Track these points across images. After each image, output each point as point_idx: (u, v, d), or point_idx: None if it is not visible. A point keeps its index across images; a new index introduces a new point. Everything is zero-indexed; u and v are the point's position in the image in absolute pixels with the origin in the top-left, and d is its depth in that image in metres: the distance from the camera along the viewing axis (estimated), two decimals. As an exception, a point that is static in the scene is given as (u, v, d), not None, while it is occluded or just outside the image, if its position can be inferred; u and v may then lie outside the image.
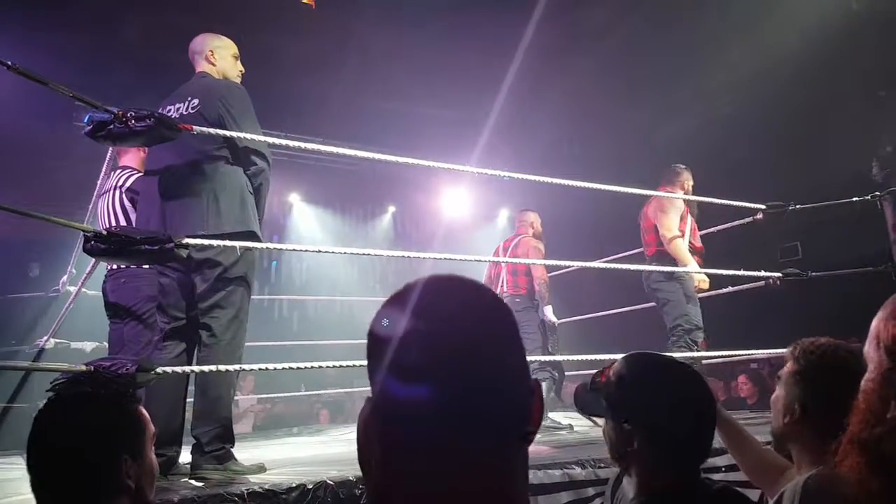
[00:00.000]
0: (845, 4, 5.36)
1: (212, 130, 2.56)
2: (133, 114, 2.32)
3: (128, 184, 3.40)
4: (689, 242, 4.43)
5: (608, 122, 7.30)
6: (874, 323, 0.90)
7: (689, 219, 4.49)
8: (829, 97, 5.88)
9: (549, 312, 4.93)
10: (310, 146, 3.01)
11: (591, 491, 2.40)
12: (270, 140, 2.82)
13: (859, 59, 5.54)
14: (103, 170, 3.41)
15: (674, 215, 4.40)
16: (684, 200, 4.41)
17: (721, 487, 1.34)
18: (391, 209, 9.67)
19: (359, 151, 3.10)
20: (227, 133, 2.62)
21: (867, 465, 0.83)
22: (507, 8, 5.71)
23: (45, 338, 4.60)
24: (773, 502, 1.45)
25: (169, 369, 2.31)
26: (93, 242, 2.25)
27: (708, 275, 4.35)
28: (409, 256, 3.26)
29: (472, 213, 9.33)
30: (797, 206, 3.96)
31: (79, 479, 1.26)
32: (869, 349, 0.90)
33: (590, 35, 6.44)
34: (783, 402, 1.51)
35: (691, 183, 4.62)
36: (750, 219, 4.18)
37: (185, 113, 2.74)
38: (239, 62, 3.02)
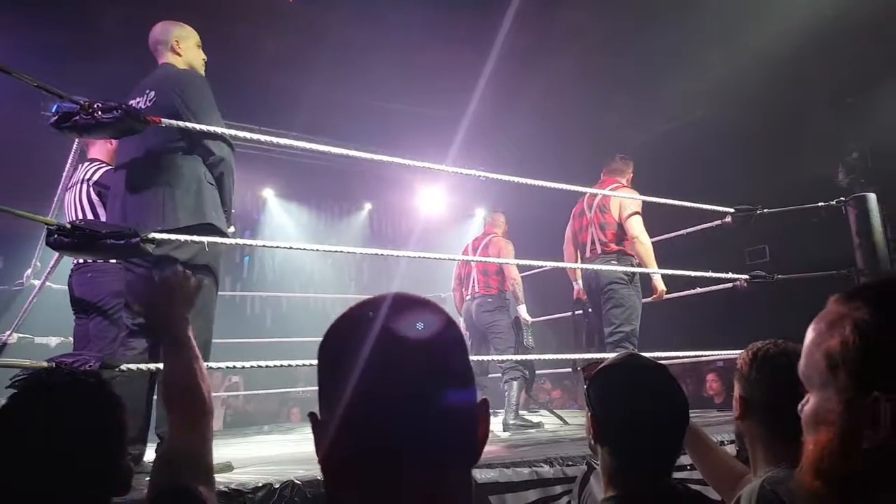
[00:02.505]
0: (819, 12, 5.46)
1: (179, 123, 2.52)
2: (100, 105, 2.28)
3: (95, 177, 3.34)
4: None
5: (584, 124, 7.35)
6: (814, 345, 0.79)
7: None
8: (798, 103, 5.99)
9: (522, 311, 4.96)
10: (284, 142, 2.97)
11: (558, 489, 2.42)
12: (245, 134, 2.77)
13: (829, 66, 5.65)
14: (69, 162, 3.34)
15: (640, 218, 4.24)
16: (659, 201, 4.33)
17: (695, 493, 1.35)
18: (367, 206, 9.63)
19: (334, 148, 3.08)
20: (187, 125, 2.55)
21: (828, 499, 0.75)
22: (483, 6, 5.71)
23: (8, 332, 4.49)
24: (731, 504, 1.47)
25: (133, 366, 2.28)
26: (56, 236, 2.21)
27: (676, 276, 4.36)
28: (383, 254, 3.25)
29: (449, 212, 9.34)
30: (765, 210, 4.03)
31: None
32: (813, 373, 0.79)
33: (566, 36, 6.47)
34: (734, 399, 1.57)
35: (632, 170, 4.60)
36: (719, 222, 4.23)
37: (143, 107, 2.67)
38: (201, 50, 2.97)
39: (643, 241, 4.18)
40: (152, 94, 2.71)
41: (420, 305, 0.70)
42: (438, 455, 0.64)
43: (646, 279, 4.33)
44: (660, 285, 4.25)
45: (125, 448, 1.21)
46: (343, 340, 0.67)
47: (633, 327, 4.16)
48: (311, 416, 0.69)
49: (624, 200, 4.27)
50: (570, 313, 4.74)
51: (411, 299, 0.70)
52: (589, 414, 1.38)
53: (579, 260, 4.52)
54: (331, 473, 0.67)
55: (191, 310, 1.44)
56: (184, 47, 2.89)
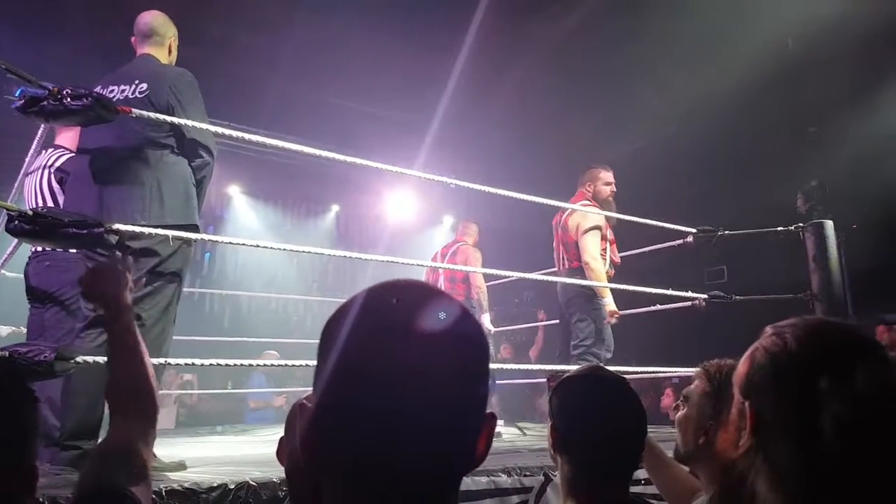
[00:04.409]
0: (782, 42, 5.64)
1: (153, 115, 2.48)
2: (69, 91, 2.23)
3: (57, 164, 3.26)
4: (611, 260, 4.37)
5: (554, 138, 7.44)
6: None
7: (609, 233, 4.40)
8: (762, 130, 6.16)
9: (486, 321, 4.99)
10: (255, 138, 2.93)
11: (515, 499, 2.44)
12: (218, 129, 2.74)
13: (793, 95, 5.83)
14: (33, 147, 3.25)
15: (597, 236, 4.29)
16: (605, 212, 4.35)
17: None
18: (335, 208, 9.56)
19: (306, 147, 3.04)
20: (176, 120, 2.53)
21: (728, 487, 0.96)
22: (454, 15, 5.73)
23: (-44, 320, 4.35)
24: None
25: (90, 359, 2.22)
26: (17, 222, 2.14)
27: (637, 293, 4.43)
28: (350, 257, 3.22)
29: (417, 218, 9.34)
30: (726, 232, 4.13)
31: None
32: (734, 390, 0.98)
33: (537, 52, 6.56)
34: (696, 423, 1.56)
35: (606, 181, 4.47)
36: (681, 241, 4.31)
37: (131, 96, 2.64)
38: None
39: (593, 267, 4.21)
40: (144, 85, 2.67)
41: (436, 305, 0.64)
42: (426, 465, 0.61)
43: (616, 294, 4.36)
44: (610, 306, 4.23)
45: (30, 446, 1.09)
46: (344, 326, 0.62)
47: (593, 341, 4.21)
48: (300, 405, 0.66)
49: (582, 220, 4.32)
50: (531, 325, 4.78)
51: (429, 297, 0.65)
52: (550, 423, 1.39)
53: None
54: (312, 459, 0.63)
55: (128, 292, 1.36)
56: (174, 46, 2.91)
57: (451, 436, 0.62)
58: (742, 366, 0.97)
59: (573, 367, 1.53)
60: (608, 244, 4.40)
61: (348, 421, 0.60)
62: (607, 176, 4.51)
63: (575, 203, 4.40)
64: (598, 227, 4.30)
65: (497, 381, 5.99)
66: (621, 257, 4.60)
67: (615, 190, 4.51)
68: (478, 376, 0.65)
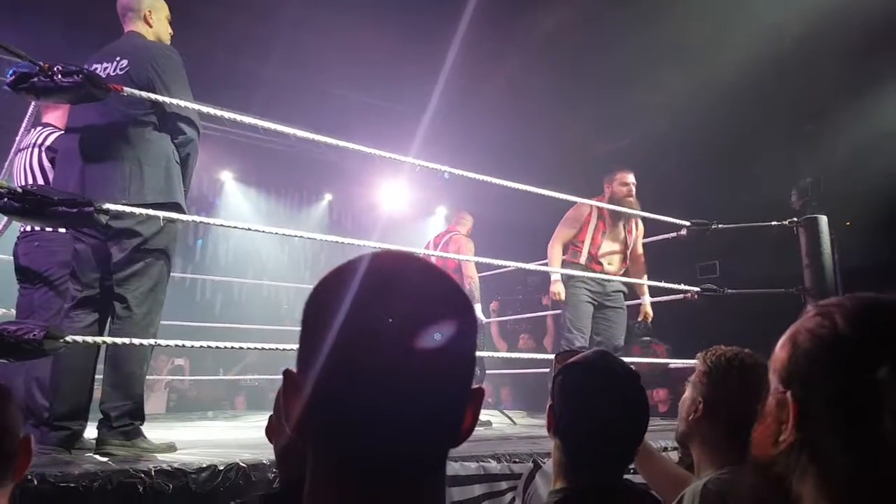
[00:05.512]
0: (779, 39, 5.63)
1: (142, 93, 2.46)
2: (60, 68, 2.21)
3: (48, 142, 3.23)
4: (589, 251, 4.51)
5: (547, 131, 7.42)
6: (778, 346, 0.89)
7: (593, 226, 4.53)
8: (758, 125, 6.16)
9: (478, 311, 4.99)
10: (249, 120, 2.88)
11: (504, 485, 2.45)
12: (206, 110, 2.71)
13: (789, 91, 5.83)
14: (23, 125, 3.22)
15: (566, 226, 4.58)
16: (600, 206, 4.47)
17: (642, 493, 1.37)
18: (328, 197, 9.52)
19: (300, 131, 3.01)
20: (157, 97, 2.50)
21: (764, 485, 0.84)
22: (448, 11, 5.67)
23: (-56, 300, 4.29)
24: (674, 504, 1.50)
25: (79, 338, 2.20)
26: (6, 200, 2.12)
27: (628, 284, 4.51)
28: (343, 242, 3.21)
29: (410, 209, 9.31)
30: (719, 225, 4.13)
31: None
32: (771, 378, 0.89)
33: (532, 44, 6.52)
34: (689, 401, 1.60)
35: (622, 181, 4.55)
36: (674, 234, 4.32)
37: (112, 74, 2.62)
38: (170, 24, 2.92)
39: (548, 253, 4.55)
40: (125, 62, 2.64)
41: (434, 286, 0.64)
42: (416, 443, 0.61)
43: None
44: (553, 287, 4.44)
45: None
46: (340, 309, 0.61)
47: (573, 330, 4.36)
48: (287, 371, 0.65)
49: (567, 213, 4.61)
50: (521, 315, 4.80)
51: (428, 278, 0.64)
52: (549, 403, 1.36)
53: None
54: (302, 433, 0.63)
55: None
56: (155, 19, 2.84)
57: (440, 414, 0.63)
58: (781, 351, 0.85)
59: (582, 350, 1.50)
60: (590, 237, 4.53)
61: (342, 411, 0.60)
62: (623, 177, 4.60)
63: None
64: (571, 219, 4.58)
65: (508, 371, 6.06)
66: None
67: (633, 190, 4.57)
68: (467, 352, 0.65)
